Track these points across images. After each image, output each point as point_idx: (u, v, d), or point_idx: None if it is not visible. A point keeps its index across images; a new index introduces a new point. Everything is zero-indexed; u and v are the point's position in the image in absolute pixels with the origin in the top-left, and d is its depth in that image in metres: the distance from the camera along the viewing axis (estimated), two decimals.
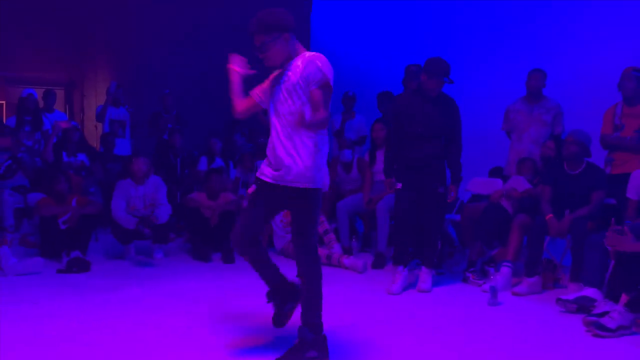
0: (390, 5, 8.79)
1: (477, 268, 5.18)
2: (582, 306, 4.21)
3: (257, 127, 8.50)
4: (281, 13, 3.14)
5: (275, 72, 3.26)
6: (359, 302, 4.52)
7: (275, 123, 3.17)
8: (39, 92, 7.56)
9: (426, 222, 4.88)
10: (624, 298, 3.86)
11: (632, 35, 6.17)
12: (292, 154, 3.08)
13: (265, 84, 3.29)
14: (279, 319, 3.42)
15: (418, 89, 4.92)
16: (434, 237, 4.91)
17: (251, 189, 3.33)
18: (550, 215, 4.86)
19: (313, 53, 3.18)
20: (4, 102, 9.37)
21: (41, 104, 7.52)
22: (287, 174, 3.10)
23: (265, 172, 3.21)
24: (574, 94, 6.30)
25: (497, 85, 7.14)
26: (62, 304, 4.30)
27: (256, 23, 3.10)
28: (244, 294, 4.62)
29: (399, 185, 4.89)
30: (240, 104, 3.30)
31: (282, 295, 3.38)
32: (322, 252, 5.63)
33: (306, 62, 3.11)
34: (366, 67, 8.27)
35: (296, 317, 3.30)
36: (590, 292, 4.28)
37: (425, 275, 4.88)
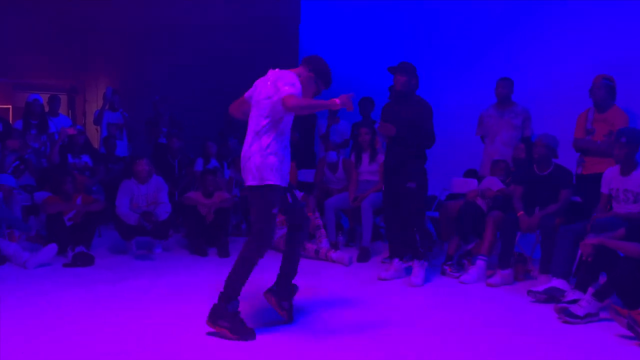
0: (370, 23, 8.82)
1: (454, 261, 5.16)
2: (551, 296, 4.22)
3: None
4: None
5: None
6: (345, 292, 4.50)
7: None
8: (44, 98, 7.44)
9: (404, 217, 4.83)
10: (591, 288, 3.88)
11: (596, 45, 6.19)
12: None
13: None
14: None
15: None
16: (411, 230, 4.83)
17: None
18: (522, 212, 4.87)
19: None
20: (10, 106, 9.24)
21: (46, 108, 7.40)
22: None
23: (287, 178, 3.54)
24: (541, 99, 6.33)
25: (471, 94, 7.17)
26: (68, 295, 4.24)
27: None
28: None
29: (383, 188, 4.99)
30: None
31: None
32: (310, 247, 5.63)
33: None
34: (348, 76, 8.27)
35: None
36: (558, 283, 4.30)
37: (417, 269, 4.78)
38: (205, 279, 4.85)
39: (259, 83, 3.61)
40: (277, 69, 3.55)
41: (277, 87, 3.37)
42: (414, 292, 4.55)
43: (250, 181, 3.44)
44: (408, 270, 4.90)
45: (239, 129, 8.32)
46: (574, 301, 3.92)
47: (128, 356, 3.05)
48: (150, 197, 5.89)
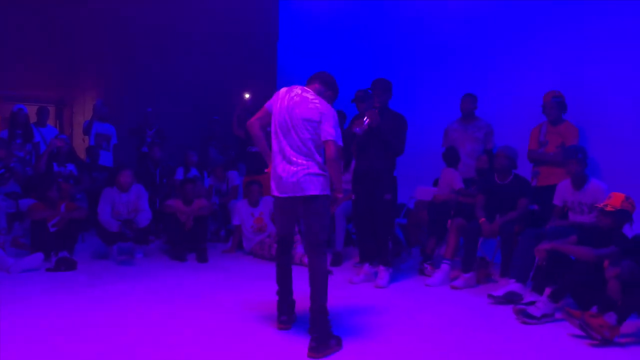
0: (345, 40, 8.88)
1: (433, 261, 5.19)
2: (510, 300, 4.26)
3: (230, 141, 8.45)
4: None
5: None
6: None
7: None
8: (32, 109, 7.33)
9: (378, 226, 4.86)
10: (547, 290, 3.93)
11: (552, 62, 6.31)
12: None
13: None
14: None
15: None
16: (385, 239, 4.89)
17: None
18: (483, 219, 4.92)
19: None
20: None
21: (35, 119, 7.30)
22: None
23: None
24: (503, 114, 6.41)
25: (438, 109, 7.25)
26: (50, 299, 4.16)
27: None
28: (216, 289, 4.55)
29: (353, 196, 4.99)
30: None
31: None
32: None
33: None
34: None
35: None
36: (516, 287, 4.34)
37: (382, 273, 4.84)
38: (185, 283, 4.80)
39: (289, 97, 3.48)
40: (309, 90, 3.53)
41: (324, 126, 3.39)
42: (383, 295, 4.55)
43: (311, 190, 3.40)
44: (377, 275, 4.91)
45: (219, 139, 8.36)
46: (531, 303, 3.96)
47: (108, 358, 3.00)
48: (131, 204, 5.83)
